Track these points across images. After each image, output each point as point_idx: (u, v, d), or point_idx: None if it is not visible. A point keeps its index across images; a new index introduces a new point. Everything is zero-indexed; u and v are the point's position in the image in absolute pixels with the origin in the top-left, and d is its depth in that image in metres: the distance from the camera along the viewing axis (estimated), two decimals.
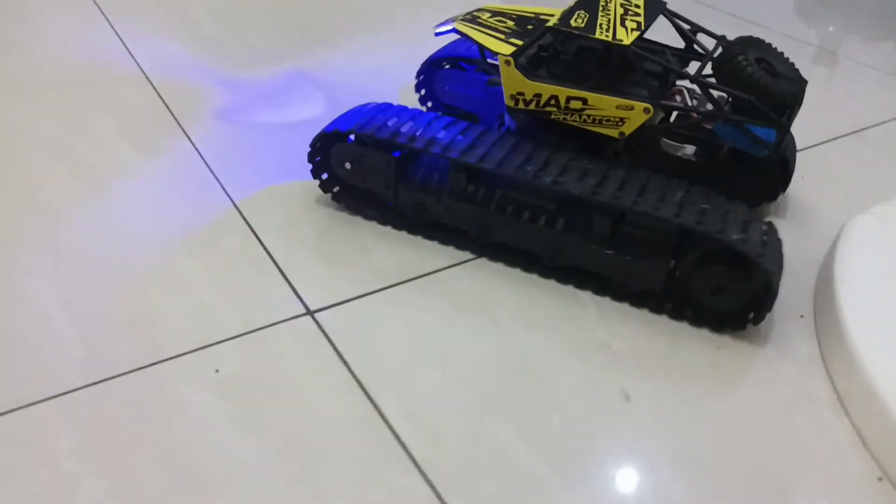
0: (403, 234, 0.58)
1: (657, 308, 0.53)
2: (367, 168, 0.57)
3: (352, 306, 0.51)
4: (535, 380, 0.47)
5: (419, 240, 0.57)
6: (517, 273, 0.55)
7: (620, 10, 0.56)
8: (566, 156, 0.53)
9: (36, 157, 0.63)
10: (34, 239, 0.54)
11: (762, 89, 0.51)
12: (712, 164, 0.57)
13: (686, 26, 0.59)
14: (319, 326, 0.49)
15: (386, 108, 0.58)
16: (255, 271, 0.54)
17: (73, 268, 0.52)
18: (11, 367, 0.45)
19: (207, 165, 0.64)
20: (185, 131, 0.68)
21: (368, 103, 0.59)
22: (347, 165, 0.57)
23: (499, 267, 0.55)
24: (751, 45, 0.54)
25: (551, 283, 0.54)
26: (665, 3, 0.58)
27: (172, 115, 0.70)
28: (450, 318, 0.51)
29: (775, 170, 0.60)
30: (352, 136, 0.56)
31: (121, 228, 0.56)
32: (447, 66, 0.67)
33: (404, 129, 0.55)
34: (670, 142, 0.57)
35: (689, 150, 0.58)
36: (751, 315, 0.50)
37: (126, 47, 0.81)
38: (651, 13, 0.56)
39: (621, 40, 0.52)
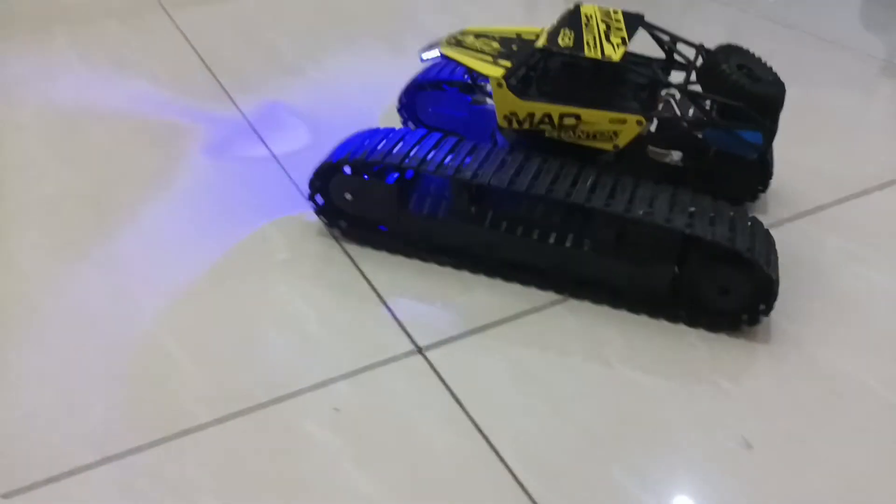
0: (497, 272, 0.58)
1: (671, 316, 0.54)
2: (368, 196, 0.57)
3: (460, 344, 0.52)
4: (649, 422, 0.47)
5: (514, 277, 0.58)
6: (618, 313, 0.55)
7: (603, 26, 0.57)
8: (566, 167, 0.54)
9: (136, 180, 0.66)
10: (147, 274, 0.57)
11: (747, 94, 0.52)
12: (698, 168, 0.58)
13: (665, 37, 0.60)
14: (430, 364, 0.50)
15: (374, 133, 0.58)
16: (360, 305, 0.54)
17: (184, 302, 0.54)
18: (139, 405, 0.46)
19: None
20: (274, 156, 0.70)
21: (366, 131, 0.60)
22: (348, 196, 0.58)
23: (594, 307, 0.55)
24: (732, 53, 0.55)
25: (659, 322, 0.54)
26: (643, 16, 0.59)
27: (262, 139, 0.72)
28: (558, 357, 0.51)
29: (756, 170, 0.62)
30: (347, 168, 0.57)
31: (226, 262, 0.58)
32: (429, 89, 0.68)
33: (402, 151, 0.55)
34: (656, 149, 0.58)
35: (676, 155, 0.58)
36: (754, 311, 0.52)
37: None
38: (631, 26, 0.57)
39: (610, 57, 0.53)
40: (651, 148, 0.59)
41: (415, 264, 0.59)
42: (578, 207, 0.51)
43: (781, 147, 0.63)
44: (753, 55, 0.57)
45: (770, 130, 0.53)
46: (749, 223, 0.52)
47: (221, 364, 0.49)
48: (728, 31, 1.10)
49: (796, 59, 0.99)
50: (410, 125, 0.71)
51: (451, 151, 0.55)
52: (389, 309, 0.54)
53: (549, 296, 0.56)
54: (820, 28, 1.04)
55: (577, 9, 0.60)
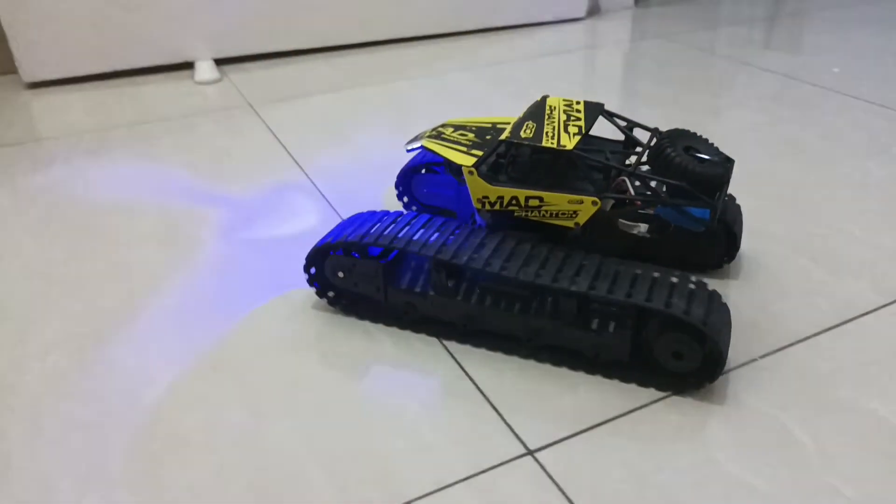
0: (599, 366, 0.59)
1: (627, 377, 0.59)
2: (357, 275, 0.64)
3: (570, 444, 0.53)
4: None
5: (616, 374, 0.59)
6: (724, 409, 0.55)
7: (563, 117, 0.64)
8: (530, 246, 0.60)
9: (241, 278, 0.70)
10: (273, 393, 0.60)
11: (691, 175, 0.58)
12: (664, 239, 0.65)
13: (622, 123, 0.67)
14: (542, 467, 0.51)
15: (369, 218, 0.66)
16: (467, 406, 0.56)
17: (311, 411, 0.57)
18: None
19: None
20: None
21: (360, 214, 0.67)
22: (340, 274, 0.65)
23: (697, 403, 0.56)
24: (678, 137, 0.61)
25: (761, 423, 0.54)
26: (603, 105, 0.67)
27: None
28: (671, 457, 0.52)
29: (723, 241, 0.69)
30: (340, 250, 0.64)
31: (337, 359, 0.61)
32: (423, 171, 0.77)
33: (386, 232, 0.63)
34: (626, 221, 0.65)
35: (643, 227, 0.65)
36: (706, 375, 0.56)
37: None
38: (591, 116, 0.65)
39: (565, 146, 0.60)
40: (621, 221, 0.65)
41: (514, 361, 0.60)
42: (544, 287, 0.58)
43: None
44: (701, 138, 0.62)
45: (715, 206, 0.59)
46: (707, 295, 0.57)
47: (343, 471, 0.51)
48: (794, 101, 1.11)
49: (867, 128, 1.00)
50: (413, 208, 0.81)
51: (434, 231, 0.63)
52: (495, 408, 0.56)
53: (652, 393, 0.57)
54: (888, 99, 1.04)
55: (543, 100, 0.69)
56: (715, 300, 0.57)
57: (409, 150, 0.72)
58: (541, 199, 0.60)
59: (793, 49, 1.41)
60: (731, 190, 0.71)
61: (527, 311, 0.60)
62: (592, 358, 0.59)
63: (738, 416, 0.55)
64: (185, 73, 1.32)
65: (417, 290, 0.63)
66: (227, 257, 0.76)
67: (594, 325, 0.59)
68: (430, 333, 0.64)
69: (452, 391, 0.58)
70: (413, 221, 0.64)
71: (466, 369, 0.60)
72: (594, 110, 0.66)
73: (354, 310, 0.66)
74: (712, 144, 0.62)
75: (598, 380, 0.58)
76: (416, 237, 0.62)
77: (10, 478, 0.51)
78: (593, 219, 0.61)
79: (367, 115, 1.12)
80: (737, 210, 0.71)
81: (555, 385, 0.58)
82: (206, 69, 1.29)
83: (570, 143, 0.60)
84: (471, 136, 0.68)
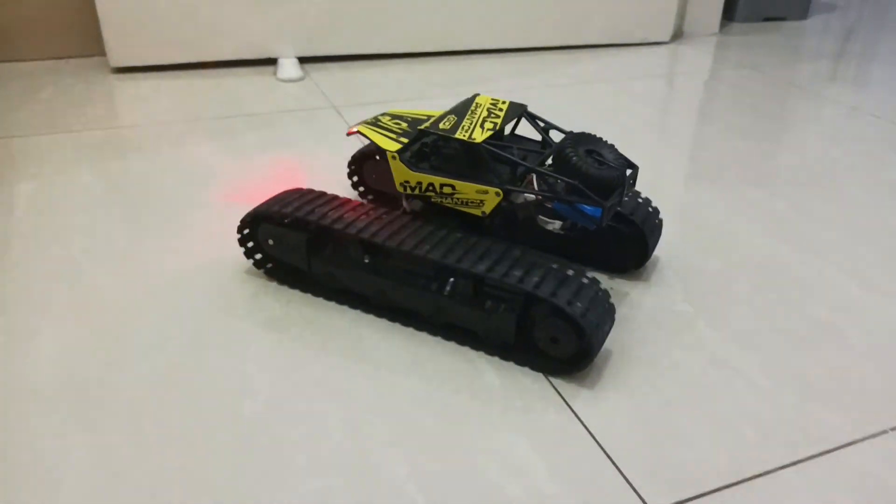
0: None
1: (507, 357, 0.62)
2: (284, 245, 0.68)
3: None
4: None
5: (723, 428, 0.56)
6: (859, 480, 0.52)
7: (485, 114, 0.69)
8: (445, 231, 0.65)
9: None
10: (384, 416, 0.58)
11: (584, 176, 0.61)
12: (574, 236, 0.70)
13: (541, 124, 0.71)
14: None
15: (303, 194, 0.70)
16: (578, 452, 0.54)
17: (415, 440, 0.55)
18: None
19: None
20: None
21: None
22: (270, 242, 0.69)
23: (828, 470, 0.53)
24: (582, 140, 0.64)
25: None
26: (525, 107, 0.71)
27: None
28: None
29: (633, 245, 0.72)
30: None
31: (453, 403, 0.59)
32: (377, 158, 0.82)
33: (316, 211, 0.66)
34: (545, 218, 0.68)
35: (557, 224, 0.68)
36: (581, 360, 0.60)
37: None
38: (510, 115, 0.69)
39: (474, 139, 0.64)
40: (540, 217, 0.68)
41: (623, 401, 0.58)
42: (446, 267, 0.62)
43: None
44: (607, 143, 0.66)
45: (607, 206, 0.61)
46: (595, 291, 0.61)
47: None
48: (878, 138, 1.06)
49: None
50: (360, 189, 0.86)
51: (361, 214, 0.67)
52: (608, 455, 0.53)
53: (779, 458, 0.54)
54: None
55: (472, 97, 0.73)
56: (601, 297, 0.60)
57: (348, 135, 0.74)
58: (453, 187, 0.65)
59: (884, 85, 1.36)
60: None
61: (431, 289, 0.63)
62: (484, 338, 0.63)
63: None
64: (268, 68, 1.32)
65: (337, 263, 0.67)
66: None
67: (487, 306, 0.62)
68: (536, 374, 0.61)
69: (564, 434, 0.55)
70: (344, 204, 0.68)
71: (575, 409, 0.57)
72: (515, 110, 0.70)
73: (278, 276, 0.71)
74: (615, 150, 0.66)
75: (716, 437, 0.55)
76: (343, 216, 0.66)
77: (117, 487, 0.50)
78: (513, 213, 0.68)
79: None
80: (653, 219, 0.73)
81: (667, 432, 0.55)
82: (289, 67, 1.29)
83: (480, 136, 0.64)
84: (404, 125, 0.72)
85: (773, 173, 1.00)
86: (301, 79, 1.28)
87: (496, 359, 0.62)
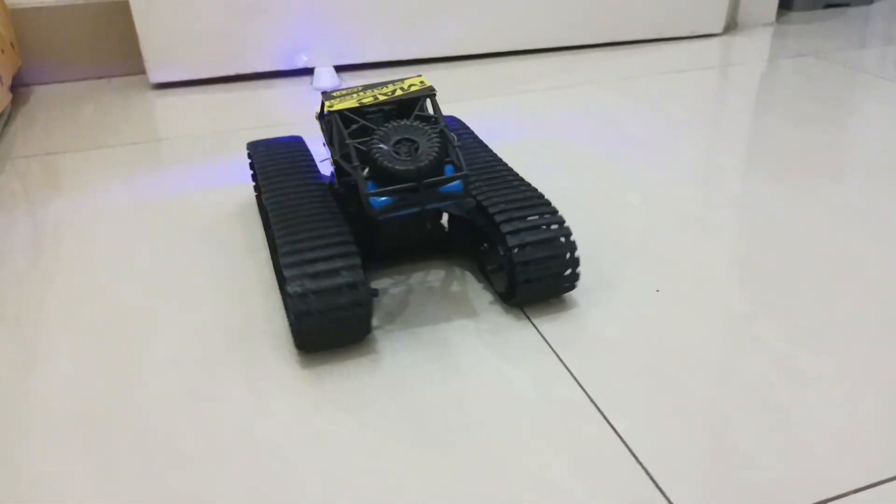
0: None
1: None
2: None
3: None
4: None
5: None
6: None
7: (386, 89, 0.66)
8: None
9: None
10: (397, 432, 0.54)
11: (377, 166, 0.58)
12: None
13: (426, 113, 0.65)
14: None
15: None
16: (623, 475, 0.48)
17: (440, 462, 0.50)
18: None
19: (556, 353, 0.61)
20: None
21: None
22: None
23: None
24: (399, 130, 0.60)
25: None
26: (433, 91, 0.66)
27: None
28: None
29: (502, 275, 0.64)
30: None
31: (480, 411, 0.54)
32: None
33: None
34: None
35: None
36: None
37: None
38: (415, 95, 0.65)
39: (331, 106, 0.64)
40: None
41: (675, 413, 0.52)
42: None
43: None
44: (428, 133, 0.60)
45: (403, 198, 0.59)
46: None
47: None
48: None
49: None
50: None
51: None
52: (654, 481, 0.47)
53: (856, 479, 0.47)
54: None
55: (402, 79, 0.69)
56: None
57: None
58: None
59: None
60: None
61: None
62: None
63: None
64: (305, 78, 1.30)
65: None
66: None
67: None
68: (572, 382, 0.56)
69: (601, 450, 0.50)
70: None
71: (613, 423, 0.52)
72: (421, 93, 0.65)
73: None
74: (434, 143, 0.60)
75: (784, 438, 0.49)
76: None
77: None
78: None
79: (493, 128, 1.06)
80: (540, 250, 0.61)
81: (724, 447, 0.49)
82: (325, 76, 1.27)
83: (341, 106, 0.63)
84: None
85: (840, 163, 0.91)
86: (338, 87, 1.25)
87: (527, 369, 0.57)
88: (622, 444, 0.50)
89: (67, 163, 1.00)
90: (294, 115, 1.14)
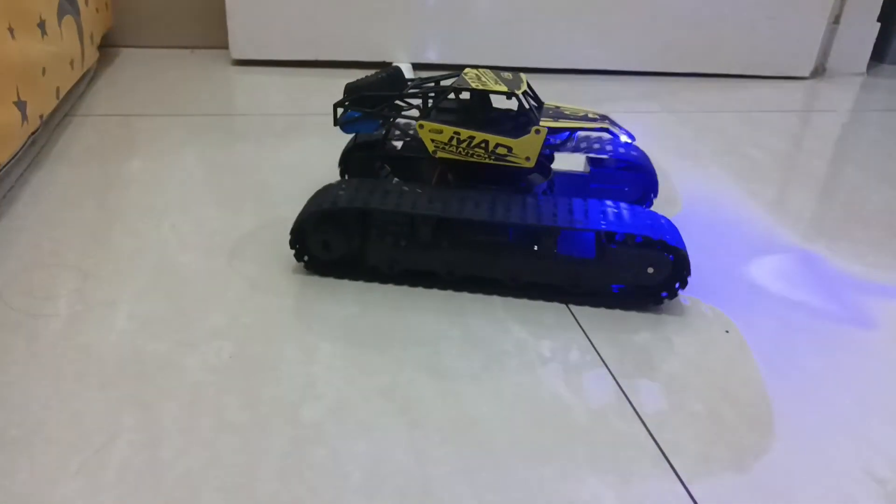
0: None
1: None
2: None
3: None
4: None
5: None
6: None
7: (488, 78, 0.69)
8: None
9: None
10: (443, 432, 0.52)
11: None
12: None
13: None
14: None
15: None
16: (659, 488, 0.46)
17: (488, 472, 0.49)
18: None
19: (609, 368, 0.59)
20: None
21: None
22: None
23: None
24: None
25: None
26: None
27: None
28: None
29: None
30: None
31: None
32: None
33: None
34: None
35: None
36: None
37: None
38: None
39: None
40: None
41: (733, 462, 0.49)
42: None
43: None
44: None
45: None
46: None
47: None
48: None
49: None
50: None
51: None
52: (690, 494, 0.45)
53: None
54: None
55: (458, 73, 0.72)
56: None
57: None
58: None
59: None
60: None
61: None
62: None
63: None
64: None
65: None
66: None
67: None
68: (619, 393, 0.54)
69: (643, 473, 0.48)
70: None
71: (678, 471, 0.50)
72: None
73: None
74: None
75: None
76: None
77: (157, 474, 0.46)
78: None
79: None
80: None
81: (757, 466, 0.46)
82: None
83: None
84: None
85: None
86: None
87: (579, 392, 0.55)
88: (681, 484, 0.48)
89: (144, 125, 1.02)
90: None
